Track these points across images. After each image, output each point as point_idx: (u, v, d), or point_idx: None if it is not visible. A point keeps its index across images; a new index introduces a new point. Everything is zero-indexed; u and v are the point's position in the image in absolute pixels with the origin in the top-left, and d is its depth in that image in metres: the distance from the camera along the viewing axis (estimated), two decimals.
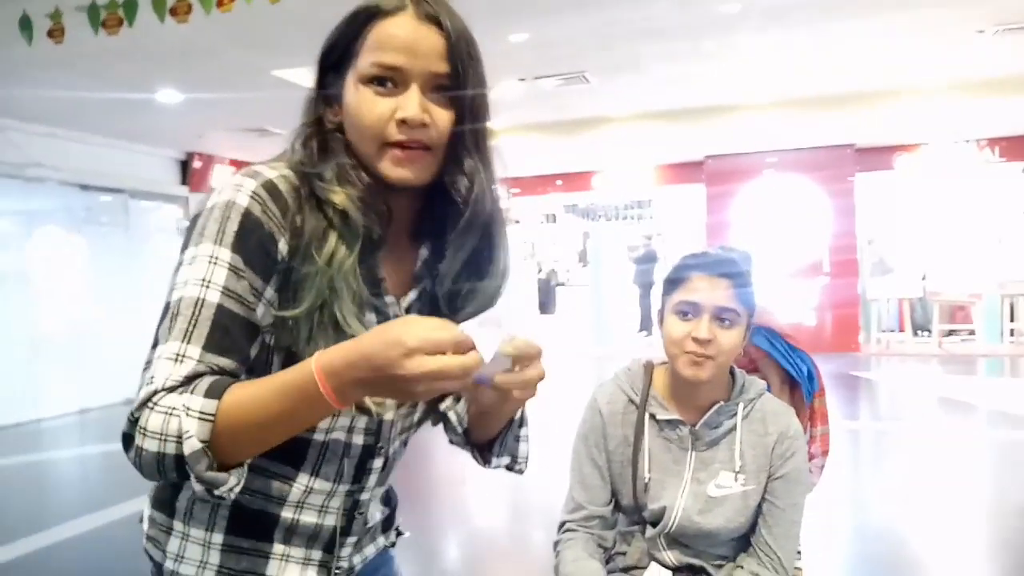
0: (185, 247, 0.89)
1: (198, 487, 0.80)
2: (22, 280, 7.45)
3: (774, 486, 1.48)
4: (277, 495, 0.97)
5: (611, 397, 1.56)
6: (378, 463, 1.04)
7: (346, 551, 1.05)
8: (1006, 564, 3.36)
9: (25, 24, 4.24)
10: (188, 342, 0.84)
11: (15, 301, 7.27)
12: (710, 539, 1.48)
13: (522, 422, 1.09)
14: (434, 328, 0.76)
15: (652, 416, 1.52)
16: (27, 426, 7.19)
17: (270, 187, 0.89)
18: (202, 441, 0.78)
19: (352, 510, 1.04)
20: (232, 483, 0.81)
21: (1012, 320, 10.28)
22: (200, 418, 0.79)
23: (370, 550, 1.11)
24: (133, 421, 0.81)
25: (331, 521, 1.01)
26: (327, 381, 0.77)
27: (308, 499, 0.99)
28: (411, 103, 0.89)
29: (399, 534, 1.19)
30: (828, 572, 3.25)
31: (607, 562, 1.55)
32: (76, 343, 7.62)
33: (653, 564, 1.50)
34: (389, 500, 1.17)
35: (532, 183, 12.64)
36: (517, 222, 16.69)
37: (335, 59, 0.94)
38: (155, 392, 0.81)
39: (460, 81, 0.92)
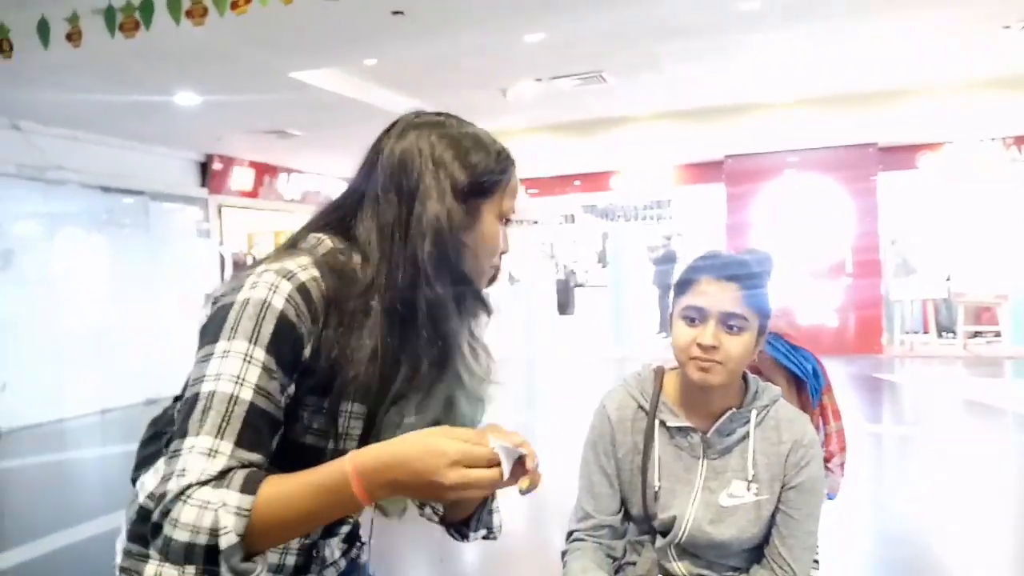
0: (215, 338, 0.93)
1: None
2: (44, 281, 7.52)
3: (788, 496, 1.43)
4: None
5: (620, 403, 1.52)
6: (346, 528, 1.18)
7: None
8: None
9: (43, 28, 4.28)
10: (221, 438, 0.88)
11: (37, 302, 7.34)
12: (722, 550, 1.44)
13: (493, 495, 1.15)
14: (472, 442, 0.87)
15: (663, 423, 1.48)
16: (49, 426, 7.26)
17: (304, 291, 0.95)
18: (239, 535, 0.83)
19: (311, 548, 1.12)
20: (259, 570, 0.86)
21: None
22: (237, 514, 0.83)
23: (330, 572, 1.17)
24: (165, 513, 0.84)
25: (291, 560, 1.09)
26: (361, 480, 0.85)
27: None
28: (507, 237, 1.11)
29: (362, 544, 1.25)
30: None
31: (616, 572, 1.52)
32: (97, 344, 7.68)
33: None
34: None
35: (550, 183, 12.60)
36: (536, 222, 16.67)
37: (486, 186, 1.04)
38: (189, 485, 0.85)
39: None
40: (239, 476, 0.86)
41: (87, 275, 8.02)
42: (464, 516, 1.14)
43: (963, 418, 6.78)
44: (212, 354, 0.92)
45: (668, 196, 14.40)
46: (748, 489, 1.43)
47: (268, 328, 0.92)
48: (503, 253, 1.09)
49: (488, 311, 1.09)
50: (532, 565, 3.53)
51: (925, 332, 10.79)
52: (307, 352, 0.96)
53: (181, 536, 0.83)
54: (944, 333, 10.74)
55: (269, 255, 1.02)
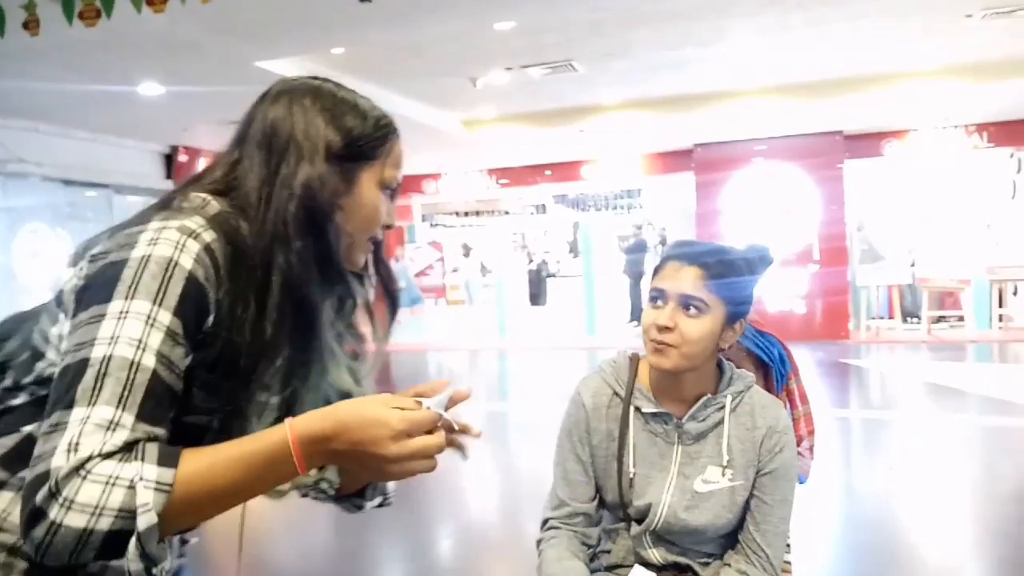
0: (105, 297, 0.82)
1: (135, 567, 0.74)
2: (7, 276, 7.36)
3: (762, 481, 1.44)
4: None
5: (596, 390, 1.51)
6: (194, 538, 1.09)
7: None
8: (998, 552, 3.35)
9: None
10: (122, 409, 0.77)
11: (0, 297, 7.18)
12: (697, 536, 1.44)
13: None
14: (418, 419, 0.83)
15: (637, 409, 1.47)
16: None
17: (210, 253, 0.87)
18: (158, 515, 0.74)
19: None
20: (167, 562, 0.78)
21: (1001, 306, 10.31)
22: (157, 489, 0.75)
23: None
24: (52, 493, 0.72)
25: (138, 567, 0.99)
26: (300, 449, 0.80)
27: None
28: (394, 211, 1.05)
29: (184, 542, 1.16)
30: (818, 563, 3.23)
31: (591, 560, 1.52)
32: None
33: (637, 566, 1.46)
34: None
35: (521, 173, 12.59)
36: (507, 213, 16.64)
37: (363, 150, 0.99)
38: (88, 458, 0.74)
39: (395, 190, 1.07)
40: (152, 448, 0.77)
41: (50, 269, 7.85)
42: (360, 485, 1.11)
43: (928, 401, 6.90)
44: (103, 315, 0.81)
45: (638, 185, 14.45)
46: (723, 475, 1.43)
47: (176, 289, 0.83)
48: (387, 227, 1.03)
49: (350, 292, 1.02)
50: (508, 554, 3.54)
51: (891, 317, 10.97)
52: (210, 321, 0.87)
53: (74, 521, 0.72)
54: (909, 318, 10.93)
55: (147, 212, 0.92)
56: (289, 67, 6.47)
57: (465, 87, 7.88)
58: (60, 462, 0.73)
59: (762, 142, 10.74)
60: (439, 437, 0.85)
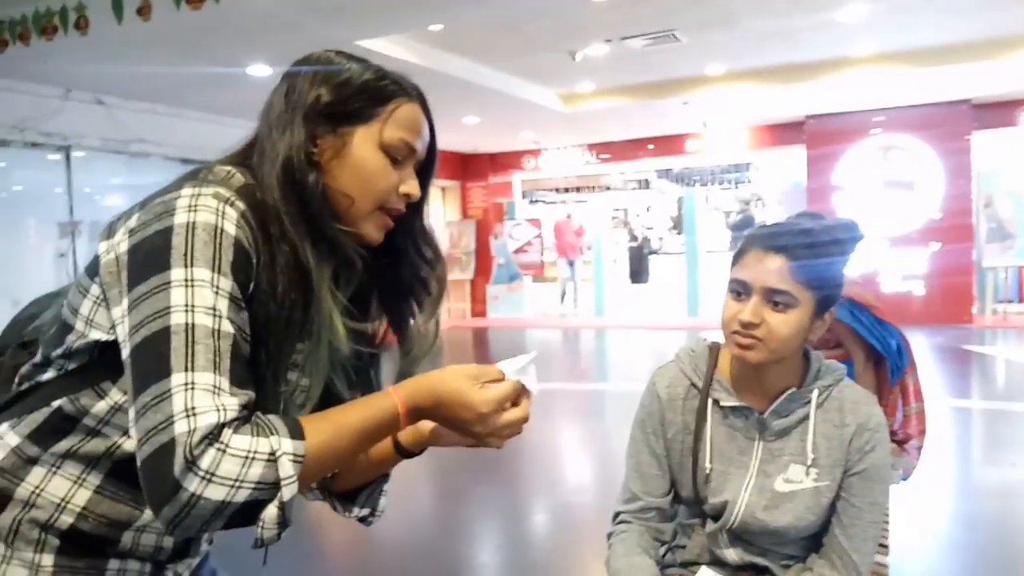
0: (163, 266, 0.82)
1: (271, 533, 0.78)
2: None
3: (851, 482, 1.33)
4: (125, 519, 0.93)
5: (672, 380, 1.44)
6: None
7: (182, 567, 1.03)
8: None
9: (116, 4, 4.38)
10: (219, 373, 0.78)
11: None
12: (776, 537, 1.36)
13: (387, 476, 1.13)
14: (498, 387, 0.91)
15: (716, 402, 1.39)
16: None
17: (247, 220, 0.87)
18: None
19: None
20: (202, 546, 0.82)
21: None
22: (294, 461, 0.78)
23: (196, 558, 1.08)
24: (189, 464, 0.73)
25: (170, 543, 0.98)
26: (408, 417, 0.89)
27: (153, 523, 0.94)
28: (415, 182, 0.99)
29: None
30: (922, 563, 3.04)
31: (666, 554, 1.45)
32: None
33: (703, 568, 1.38)
34: None
35: (622, 148, 12.36)
36: (608, 188, 16.42)
37: (352, 108, 0.95)
38: (215, 428, 0.75)
39: (429, 166, 1.03)
40: (277, 420, 0.79)
41: None
42: (354, 486, 1.10)
43: None
44: (167, 283, 0.80)
45: (746, 159, 13.97)
46: (807, 474, 1.33)
47: (228, 255, 0.83)
48: (406, 195, 0.98)
49: (348, 260, 0.97)
50: (598, 533, 3.50)
51: (1020, 301, 10.20)
52: (251, 287, 0.86)
53: (215, 494, 0.74)
54: None
55: (176, 183, 0.91)
56: (389, 45, 6.55)
57: (564, 61, 7.77)
58: (183, 428, 0.74)
59: (880, 113, 10.13)
60: (522, 411, 0.92)
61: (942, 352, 7.70)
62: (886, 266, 9.98)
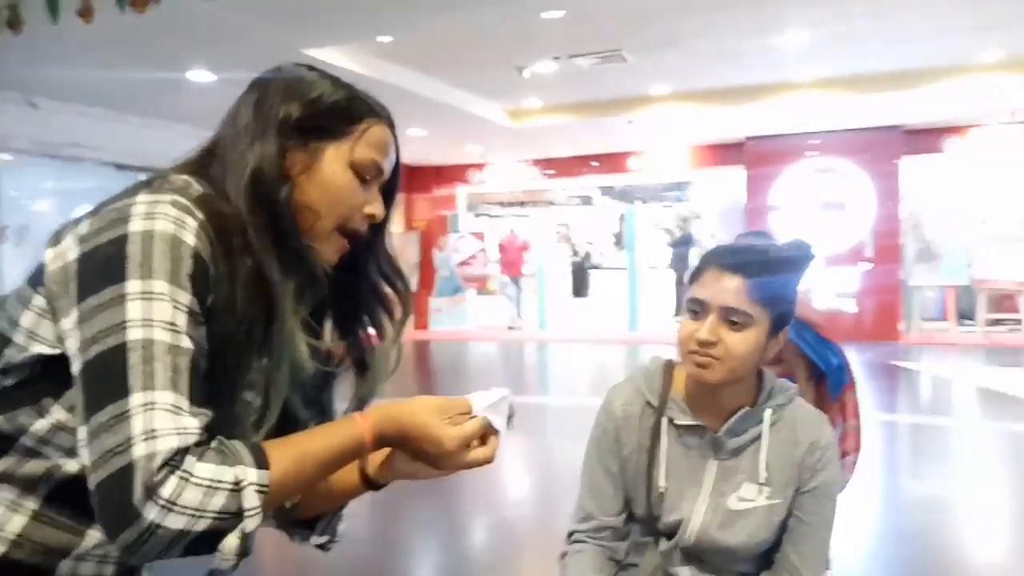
0: (119, 277, 0.78)
1: (228, 564, 0.76)
2: None
3: (802, 500, 1.36)
4: (63, 547, 0.87)
5: (627, 399, 1.45)
6: None
7: None
8: None
9: (52, 2, 4.23)
10: (178, 393, 0.75)
11: None
12: (730, 555, 1.37)
13: (346, 503, 1.11)
14: (466, 425, 0.91)
15: (671, 420, 1.41)
16: None
17: (206, 230, 0.84)
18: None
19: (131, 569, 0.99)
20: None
21: None
22: (259, 491, 0.76)
23: None
24: (149, 492, 0.70)
25: (108, 571, 0.94)
26: (373, 447, 0.89)
27: (94, 550, 0.89)
28: (380, 202, 0.98)
29: None
30: None
31: (618, 573, 1.46)
32: None
33: None
34: None
35: (567, 164, 12.48)
36: (551, 204, 16.54)
37: (324, 124, 0.94)
38: (176, 453, 0.72)
39: (393, 188, 1.03)
40: (242, 448, 0.77)
41: None
42: (314, 514, 1.07)
43: (982, 408, 6.66)
44: (123, 295, 0.77)
45: (687, 178, 14.24)
46: (760, 492, 1.36)
47: (186, 267, 0.80)
48: (371, 216, 0.97)
49: (312, 276, 0.94)
50: (539, 548, 3.50)
51: (945, 319, 10.63)
52: (210, 300, 0.83)
53: (175, 523, 0.71)
54: (964, 321, 10.57)
55: (130, 190, 0.87)
56: (336, 55, 6.49)
57: (512, 77, 7.82)
58: (143, 452, 0.71)
59: (816, 136, 10.47)
60: (488, 450, 0.92)
61: (871, 368, 7.96)
62: (819, 284, 10.30)
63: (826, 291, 10.24)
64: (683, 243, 12.97)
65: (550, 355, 10.55)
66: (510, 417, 0.95)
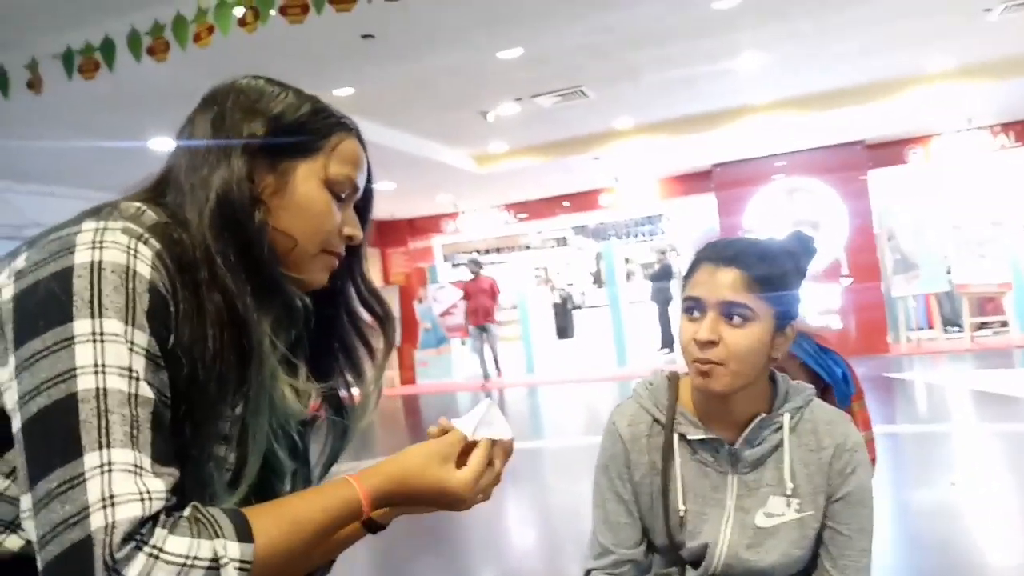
0: (63, 317, 0.67)
1: None
2: None
3: (835, 509, 1.24)
4: None
5: (632, 418, 1.33)
6: None
7: None
8: None
9: (1, 77, 4.13)
10: (137, 450, 0.65)
11: None
12: None
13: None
14: (473, 461, 0.84)
15: (682, 436, 1.28)
16: None
17: (162, 260, 0.74)
18: None
19: None
20: None
21: None
22: (240, 568, 0.65)
23: None
24: (111, 568, 0.60)
25: None
26: (369, 509, 0.79)
27: None
28: (356, 222, 0.92)
29: None
30: None
31: None
32: None
33: None
34: None
35: (538, 206, 12.48)
36: (527, 247, 16.53)
37: (292, 141, 0.87)
38: (143, 520, 0.62)
39: (367, 205, 0.98)
40: (222, 518, 0.67)
41: None
42: (309, 569, 0.97)
43: (979, 411, 6.58)
44: (70, 339, 0.66)
45: (659, 210, 14.30)
46: (788, 505, 1.23)
47: (143, 304, 0.70)
48: (349, 238, 0.90)
49: (290, 307, 0.86)
50: None
51: (930, 327, 10.61)
52: (171, 340, 0.72)
53: None
54: (950, 327, 10.57)
55: (74, 219, 0.77)
56: None
57: (476, 121, 7.81)
58: (100, 522, 0.61)
59: (782, 157, 10.55)
60: (496, 471, 0.87)
61: (864, 382, 7.79)
62: (803, 303, 10.26)
63: (810, 310, 10.21)
64: (662, 275, 12.94)
65: (540, 399, 10.38)
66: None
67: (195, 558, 0.63)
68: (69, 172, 7.23)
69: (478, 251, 16.13)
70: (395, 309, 11.35)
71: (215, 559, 0.64)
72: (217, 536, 0.65)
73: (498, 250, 16.34)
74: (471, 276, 11.40)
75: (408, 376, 12.73)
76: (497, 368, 11.32)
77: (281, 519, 0.71)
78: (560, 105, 7.58)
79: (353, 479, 0.78)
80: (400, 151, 7.98)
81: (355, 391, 0.98)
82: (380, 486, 0.79)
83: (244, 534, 0.67)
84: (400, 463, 0.81)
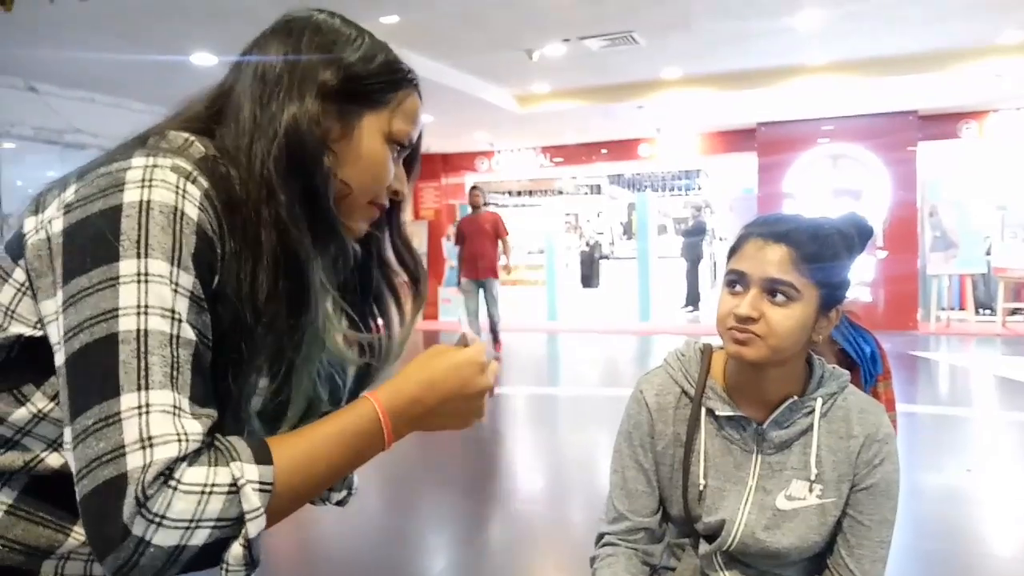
0: (109, 256, 0.67)
1: (236, 574, 0.67)
2: None
3: (858, 498, 1.23)
4: (45, 546, 0.76)
5: (661, 388, 1.31)
6: None
7: None
8: None
9: None
10: (177, 391, 0.66)
11: None
12: (777, 559, 1.24)
13: None
14: (473, 344, 0.83)
15: (710, 411, 1.27)
16: None
17: (210, 200, 0.73)
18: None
19: None
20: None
21: None
22: (261, 490, 0.66)
23: None
24: (139, 506, 0.61)
25: (98, 571, 0.83)
26: (390, 422, 0.76)
27: (80, 548, 0.78)
28: (404, 178, 0.92)
29: None
30: None
31: None
32: None
33: None
34: None
35: (575, 152, 12.31)
36: (560, 192, 16.39)
37: (365, 90, 0.85)
38: (173, 462, 0.63)
39: (413, 162, 0.96)
40: (241, 444, 0.67)
41: None
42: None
43: (1002, 397, 6.50)
44: (115, 278, 0.66)
45: (697, 166, 14.06)
46: (810, 490, 1.22)
47: (189, 245, 0.69)
48: (395, 194, 0.90)
49: (344, 251, 0.86)
50: (553, 542, 3.37)
51: (962, 308, 10.44)
52: (216, 281, 0.72)
53: (166, 540, 0.62)
54: (982, 310, 10.38)
55: (121, 150, 0.76)
56: None
57: (520, 60, 7.65)
58: (138, 462, 0.62)
59: (830, 121, 10.27)
60: (492, 372, 0.84)
61: (890, 358, 7.78)
62: (851, 287, 10.12)
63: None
64: (695, 232, 12.81)
65: (559, 346, 10.41)
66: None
67: (214, 484, 0.64)
68: (111, 81, 7.21)
69: (509, 192, 16.03)
70: (423, 244, 11.23)
71: (233, 483, 0.65)
72: (235, 460, 0.66)
73: (530, 192, 16.22)
74: (470, 211, 8.62)
75: (431, 312, 12.81)
76: (496, 338, 8.40)
77: (300, 439, 0.72)
78: (608, 49, 7.38)
79: (370, 394, 0.79)
80: (441, 84, 7.86)
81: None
82: (396, 391, 0.78)
83: (263, 456, 0.68)
84: (409, 368, 0.81)
